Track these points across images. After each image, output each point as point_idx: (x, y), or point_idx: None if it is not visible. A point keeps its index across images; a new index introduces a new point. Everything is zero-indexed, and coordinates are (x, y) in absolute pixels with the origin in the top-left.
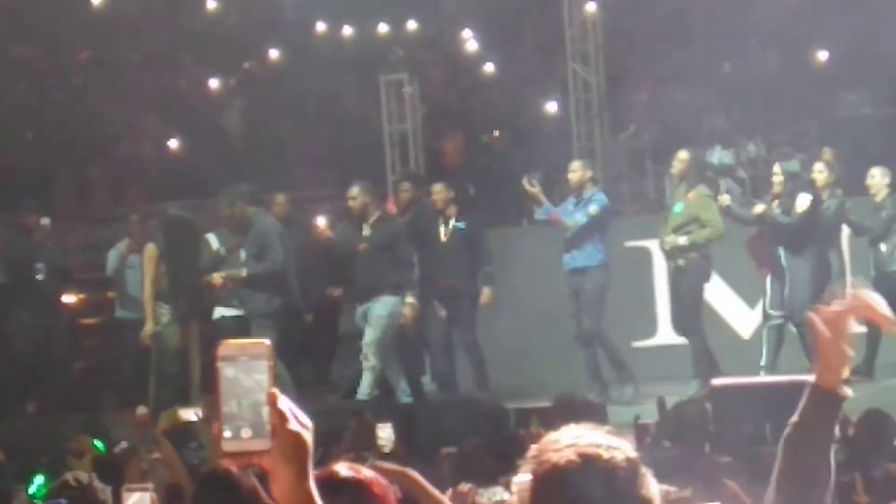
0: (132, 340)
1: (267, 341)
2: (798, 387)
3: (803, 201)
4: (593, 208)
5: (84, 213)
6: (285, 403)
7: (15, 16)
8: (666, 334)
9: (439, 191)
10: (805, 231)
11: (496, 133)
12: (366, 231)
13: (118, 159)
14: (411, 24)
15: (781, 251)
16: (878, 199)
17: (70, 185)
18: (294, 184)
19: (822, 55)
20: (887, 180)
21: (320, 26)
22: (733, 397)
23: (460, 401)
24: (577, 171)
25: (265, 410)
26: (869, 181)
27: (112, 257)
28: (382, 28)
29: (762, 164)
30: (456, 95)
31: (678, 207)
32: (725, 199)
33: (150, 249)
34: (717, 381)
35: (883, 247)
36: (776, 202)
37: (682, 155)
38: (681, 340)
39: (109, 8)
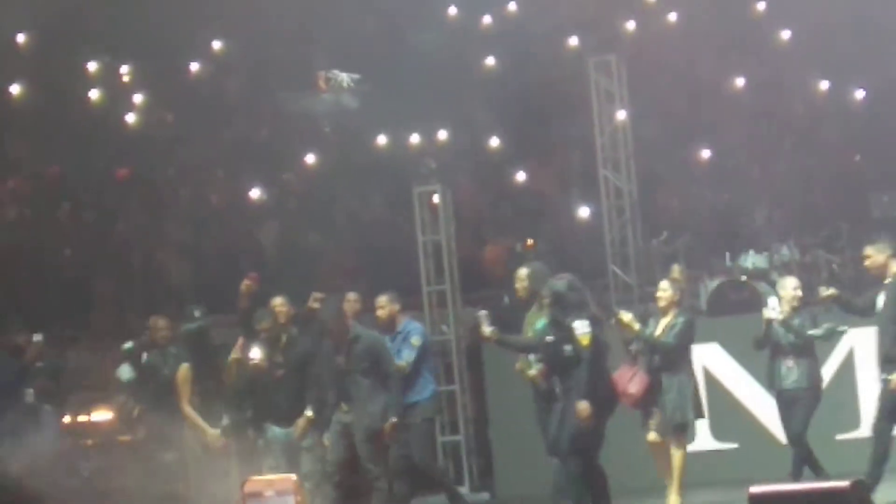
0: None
1: (294, 476)
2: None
3: (582, 328)
4: (415, 339)
5: (121, 330)
6: None
7: (49, 136)
8: (705, 440)
9: (383, 304)
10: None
11: (530, 241)
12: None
13: (154, 274)
14: (442, 134)
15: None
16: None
17: (108, 301)
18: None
19: (857, 156)
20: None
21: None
22: None
23: None
24: (384, 306)
25: None
26: None
27: (124, 370)
28: (414, 139)
29: (796, 267)
30: (488, 204)
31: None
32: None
33: (185, 369)
34: (755, 489)
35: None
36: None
37: (521, 273)
38: (721, 445)
39: (144, 125)
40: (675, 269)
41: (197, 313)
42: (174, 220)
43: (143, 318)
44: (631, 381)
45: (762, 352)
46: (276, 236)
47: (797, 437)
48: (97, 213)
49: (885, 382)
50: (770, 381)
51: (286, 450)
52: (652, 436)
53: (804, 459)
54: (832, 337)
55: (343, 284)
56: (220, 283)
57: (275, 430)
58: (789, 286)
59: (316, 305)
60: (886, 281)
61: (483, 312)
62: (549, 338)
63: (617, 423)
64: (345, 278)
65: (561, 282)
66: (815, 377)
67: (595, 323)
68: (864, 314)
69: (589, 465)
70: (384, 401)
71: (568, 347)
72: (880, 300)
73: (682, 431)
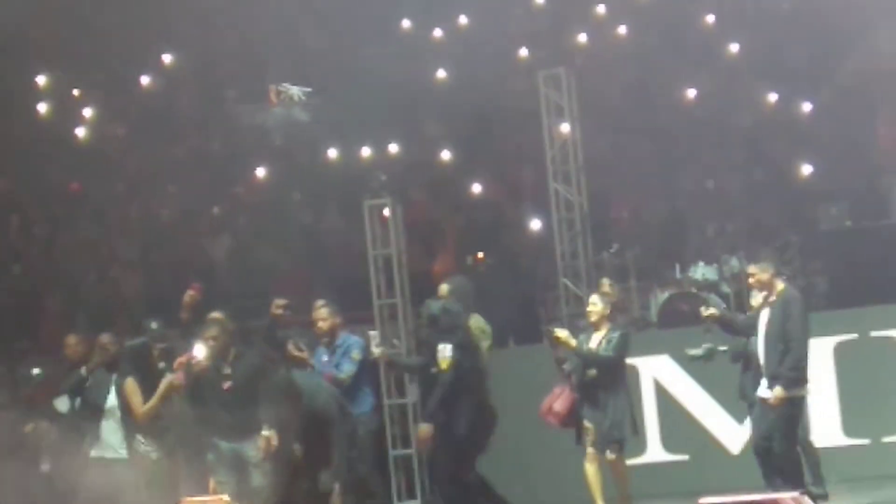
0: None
1: (226, 497)
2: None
3: (444, 352)
4: (356, 353)
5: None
6: None
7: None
8: (655, 451)
9: (325, 317)
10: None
11: (480, 254)
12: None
13: (104, 290)
14: (393, 147)
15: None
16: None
17: (57, 317)
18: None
19: (806, 169)
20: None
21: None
22: None
23: None
24: (326, 318)
25: None
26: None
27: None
28: (365, 152)
29: (746, 279)
30: (439, 218)
31: None
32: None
33: (130, 383)
34: (706, 500)
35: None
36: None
37: (442, 289)
38: (672, 457)
39: (94, 139)
40: (605, 283)
41: (154, 325)
42: (124, 234)
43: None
44: (557, 399)
45: (713, 364)
46: (227, 250)
47: (803, 443)
48: (47, 227)
49: (781, 400)
50: (741, 391)
51: (235, 465)
52: (590, 451)
53: (812, 465)
54: (713, 357)
55: (294, 298)
56: (171, 298)
57: (222, 445)
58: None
59: (279, 311)
60: (771, 299)
61: (373, 332)
62: (416, 359)
63: (551, 443)
64: (296, 292)
65: (436, 304)
66: None
67: (465, 348)
68: (745, 333)
69: (463, 490)
70: None
71: (434, 370)
72: (763, 319)
73: (620, 447)
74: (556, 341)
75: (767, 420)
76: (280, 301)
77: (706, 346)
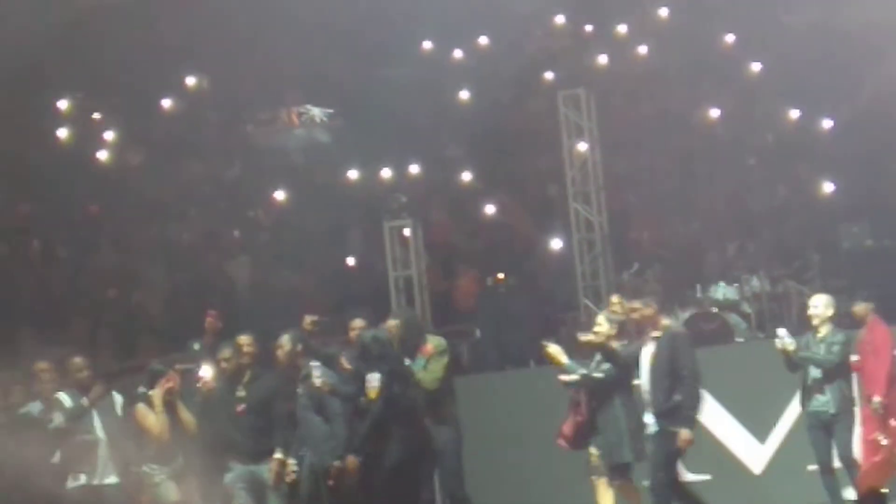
0: None
1: None
2: None
3: (371, 381)
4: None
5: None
6: None
7: (21, 173)
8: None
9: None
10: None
11: (500, 275)
12: (240, 392)
13: (127, 312)
14: (414, 169)
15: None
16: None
17: (80, 340)
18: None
19: (827, 187)
20: (830, 312)
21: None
22: None
23: None
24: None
25: None
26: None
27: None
28: (386, 173)
29: (767, 298)
30: (460, 238)
31: None
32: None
33: (141, 408)
34: None
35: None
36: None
37: (391, 323)
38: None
39: (116, 163)
40: (615, 300)
41: (196, 346)
42: (146, 257)
43: (118, 355)
44: (566, 422)
45: (734, 384)
46: (248, 272)
47: (843, 459)
48: (69, 250)
49: (666, 434)
50: (801, 402)
51: (252, 488)
52: (592, 477)
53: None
54: (586, 383)
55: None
56: (193, 320)
57: (238, 468)
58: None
59: (310, 327)
60: (655, 334)
61: (314, 363)
62: (346, 388)
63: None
64: (318, 314)
65: (368, 334)
66: (843, 401)
67: (396, 378)
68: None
69: None
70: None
71: (363, 399)
72: (646, 354)
73: (622, 472)
74: (547, 357)
75: (656, 454)
76: (311, 317)
77: (581, 371)
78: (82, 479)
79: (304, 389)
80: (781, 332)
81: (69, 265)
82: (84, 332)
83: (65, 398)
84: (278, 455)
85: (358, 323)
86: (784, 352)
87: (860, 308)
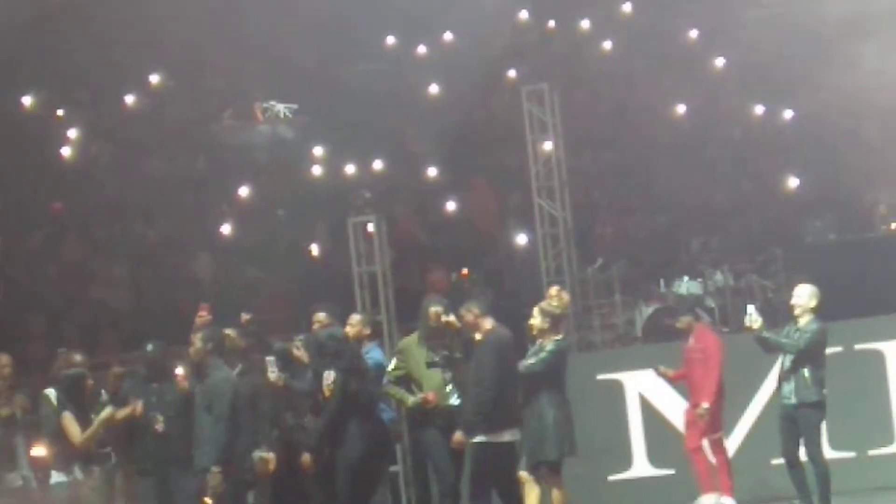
0: None
1: None
2: None
3: (328, 378)
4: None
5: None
6: None
7: None
8: (641, 466)
9: (354, 323)
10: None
11: (465, 270)
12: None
13: (90, 308)
14: (378, 164)
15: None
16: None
17: (43, 336)
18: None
19: (791, 182)
20: (813, 303)
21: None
22: None
23: None
24: (354, 325)
25: None
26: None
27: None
28: (350, 169)
29: (731, 293)
30: (424, 234)
31: None
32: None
33: (67, 416)
34: None
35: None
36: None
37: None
38: (657, 472)
39: (80, 159)
40: (553, 291)
41: (150, 347)
42: (109, 253)
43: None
44: None
45: None
46: (211, 268)
47: (811, 458)
48: (31, 246)
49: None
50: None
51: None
52: (521, 474)
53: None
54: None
55: (280, 315)
56: (157, 315)
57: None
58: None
59: (245, 325)
60: (478, 338)
61: (270, 358)
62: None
63: None
64: (281, 309)
65: (324, 332)
66: (805, 394)
67: (353, 374)
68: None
69: None
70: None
71: (320, 397)
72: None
73: (550, 471)
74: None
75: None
76: (246, 315)
77: (443, 353)
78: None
79: (200, 388)
80: (751, 308)
81: (32, 261)
82: (45, 329)
83: (52, 394)
84: (263, 453)
85: (320, 317)
86: (749, 329)
87: (683, 321)
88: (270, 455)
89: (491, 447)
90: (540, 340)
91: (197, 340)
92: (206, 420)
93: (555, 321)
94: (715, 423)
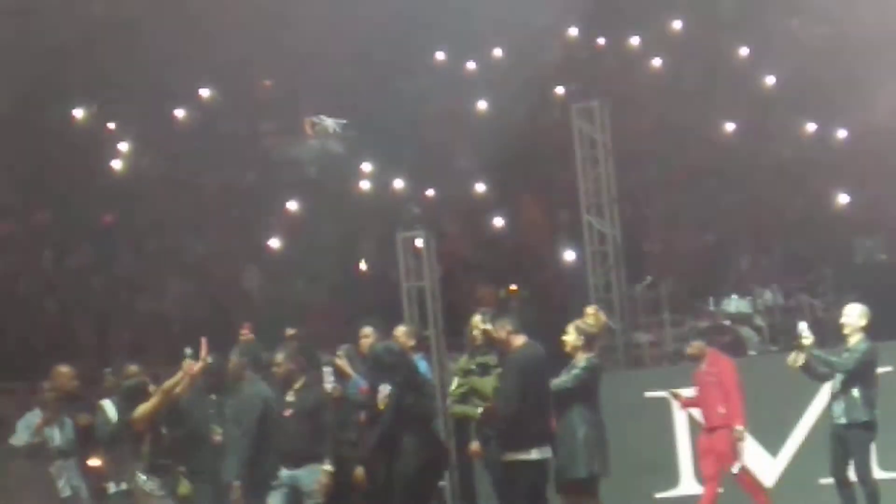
0: None
1: None
2: None
3: (383, 391)
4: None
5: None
6: None
7: (37, 181)
8: (689, 484)
9: (367, 334)
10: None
11: (513, 286)
12: (290, 397)
13: (139, 321)
14: (427, 180)
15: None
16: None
17: (93, 348)
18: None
19: (842, 200)
20: (863, 322)
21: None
22: None
23: None
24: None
25: None
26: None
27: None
28: (399, 184)
29: (780, 312)
30: (472, 250)
31: None
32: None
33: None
34: None
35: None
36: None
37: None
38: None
39: (131, 173)
40: (590, 310)
41: (188, 351)
42: (161, 266)
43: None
44: None
45: (746, 396)
46: (260, 282)
47: (860, 478)
48: (81, 259)
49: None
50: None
51: (291, 492)
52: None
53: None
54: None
55: (327, 330)
56: (206, 327)
57: (282, 472)
58: None
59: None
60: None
61: (327, 369)
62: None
63: None
64: (331, 324)
65: (380, 345)
66: (855, 414)
67: (409, 388)
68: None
69: None
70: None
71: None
72: None
73: (580, 489)
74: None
75: None
76: (290, 330)
77: (480, 360)
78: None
79: (232, 401)
80: (802, 325)
81: (80, 275)
82: (94, 341)
83: (108, 406)
84: (327, 467)
85: (367, 331)
86: (799, 346)
87: (695, 347)
88: (332, 468)
89: (520, 465)
90: (573, 359)
91: (234, 355)
92: (235, 434)
93: (589, 339)
94: (731, 452)
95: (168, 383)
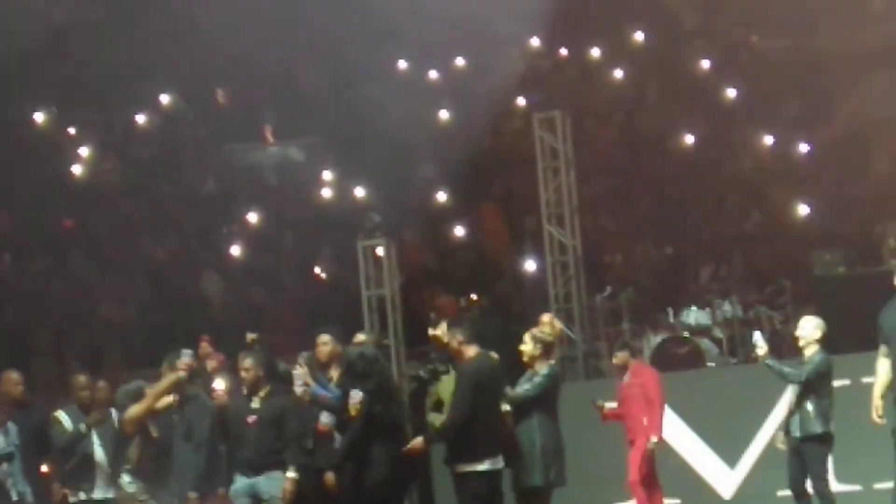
0: None
1: None
2: None
3: (354, 398)
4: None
5: (63, 383)
6: None
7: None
8: None
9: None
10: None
11: (473, 296)
12: (255, 404)
13: (97, 327)
14: (388, 188)
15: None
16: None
17: (50, 354)
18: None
19: (801, 213)
20: (818, 334)
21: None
22: None
23: None
24: (328, 342)
25: None
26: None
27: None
28: (360, 192)
29: (738, 324)
30: (433, 259)
31: None
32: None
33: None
34: None
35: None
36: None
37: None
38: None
39: (91, 178)
40: (545, 318)
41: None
42: (118, 272)
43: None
44: None
45: (705, 408)
46: (220, 289)
47: (817, 491)
48: (40, 264)
49: None
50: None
51: (252, 501)
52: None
53: None
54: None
55: (286, 338)
56: (164, 335)
57: (241, 480)
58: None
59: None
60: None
61: (297, 371)
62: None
63: None
64: (289, 331)
65: (354, 351)
66: (809, 427)
67: (381, 396)
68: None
69: None
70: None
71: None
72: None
73: (536, 498)
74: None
75: None
76: (251, 335)
77: (429, 367)
78: (81, 495)
79: (178, 415)
80: (757, 335)
81: (39, 279)
82: (50, 346)
83: (64, 417)
84: (292, 474)
85: (325, 339)
86: (754, 356)
87: (619, 357)
88: (296, 475)
89: (471, 476)
90: (531, 368)
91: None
92: (185, 447)
93: (546, 348)
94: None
95: (160, 386)
